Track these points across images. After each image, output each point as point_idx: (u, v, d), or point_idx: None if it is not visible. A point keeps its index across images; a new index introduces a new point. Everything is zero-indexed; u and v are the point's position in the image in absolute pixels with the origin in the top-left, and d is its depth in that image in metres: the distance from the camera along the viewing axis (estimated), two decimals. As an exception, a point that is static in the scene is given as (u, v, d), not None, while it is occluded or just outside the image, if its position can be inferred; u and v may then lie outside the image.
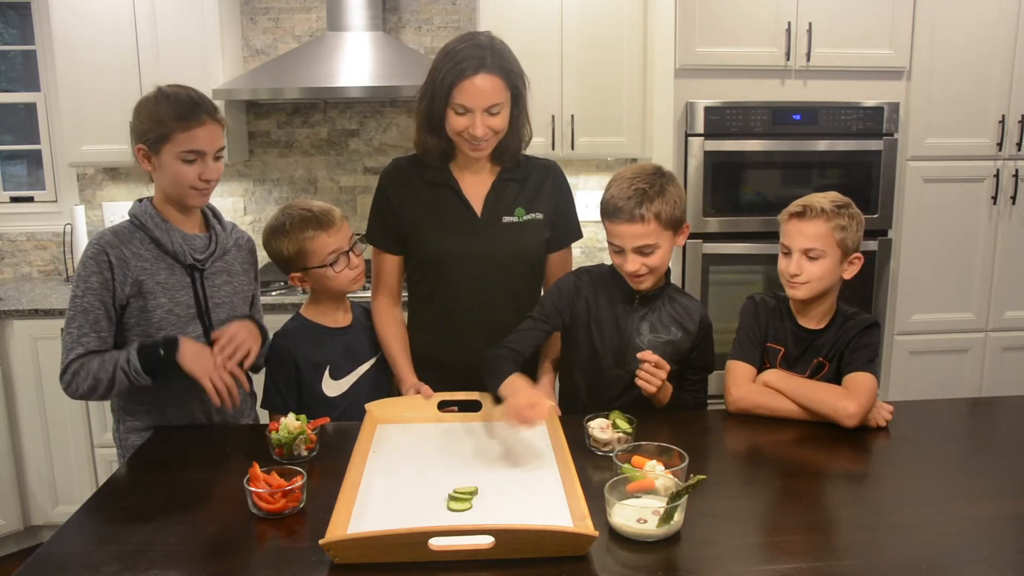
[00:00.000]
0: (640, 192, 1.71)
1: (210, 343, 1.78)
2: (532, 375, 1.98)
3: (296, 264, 1.88)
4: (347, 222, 1.94)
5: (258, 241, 1.95)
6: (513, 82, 1.81)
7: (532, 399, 1.61)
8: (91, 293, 1.68)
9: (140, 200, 1.77)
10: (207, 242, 1.80)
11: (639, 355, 1.74)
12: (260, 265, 2.01)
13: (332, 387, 1.92)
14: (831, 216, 1.73)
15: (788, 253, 1.78)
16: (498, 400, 1.70)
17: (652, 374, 1.73)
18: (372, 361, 1.99)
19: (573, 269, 2.03)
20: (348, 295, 1.99)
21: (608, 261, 1.88)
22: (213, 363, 1.69)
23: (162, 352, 1.67)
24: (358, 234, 1.97)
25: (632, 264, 1.75)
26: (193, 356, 1.69)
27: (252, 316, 1.94)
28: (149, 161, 1.70)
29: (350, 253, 1.89)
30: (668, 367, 1.75)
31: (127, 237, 1.73)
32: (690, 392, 1.91)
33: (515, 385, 1.67)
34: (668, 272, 1.89)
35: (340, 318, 1.98)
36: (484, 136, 1.79)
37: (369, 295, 2.05)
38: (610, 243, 1.79)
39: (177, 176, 1.69)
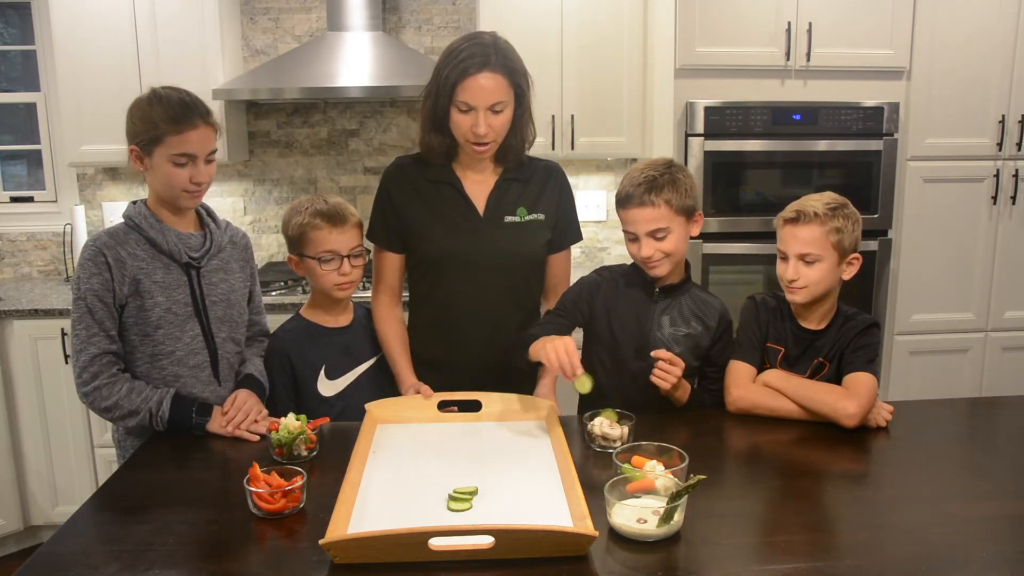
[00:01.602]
0: (651, 179, 1.76)
1: (207, 340, 1.80)
2: (532, 377, 1.98)
3: (294, 246, 1.93)
4: (360, 232, 1.95)
5: (257, 240, 1.95)
6: (516, 81, 1.81)
7: (568, 344, 1.64)
8: (92, 294, 1.69)
9: (134, 202, 1.78)
10: (202, 240, 1.81)
11: (653, 353, 1.76)
12: (260, 265, 2.02)
13: (328, 387, 1.92)
14: (825, 220, 1.73)
15: (785, 258, 1.78)
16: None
17: (666, 371, 1.74)
18: (371, 362, 1.99)
19: (572, 270, 2.04)
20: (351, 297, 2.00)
21: (626, 260, 1.90)
22: (237, 418, 1.74)
23: (194, 416, 1.72)
24: (368, 248, 1.97)
25: (646, 249, 1.77)
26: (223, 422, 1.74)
27: (252, 318, 1.96)
28: (141, 162, 1.71)
29: (346, 259, 1.89)
30: (683, 364, 1.75)
31: (122, 238, 1.73)
32: (710, 391, 1.91)
33: (545, 340, 1.71)
34: (688, 267, 1.90)
35: (339, 318, 1.98)
36: (486, 134, 1.80)
37: (368, 295, 2.05)
38: (626, 232, 1.83)
39: (168, 178, 1.69)
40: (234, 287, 1.86)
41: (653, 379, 1.75)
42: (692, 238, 1.85)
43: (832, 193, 1.79)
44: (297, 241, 1.92)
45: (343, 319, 1.99)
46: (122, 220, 1.77)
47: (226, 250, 1.86)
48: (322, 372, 1.92)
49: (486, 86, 1.77)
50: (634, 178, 1.78)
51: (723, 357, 1.89)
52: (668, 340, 1.83)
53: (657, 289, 1.85)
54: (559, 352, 1.63)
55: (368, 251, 1.97)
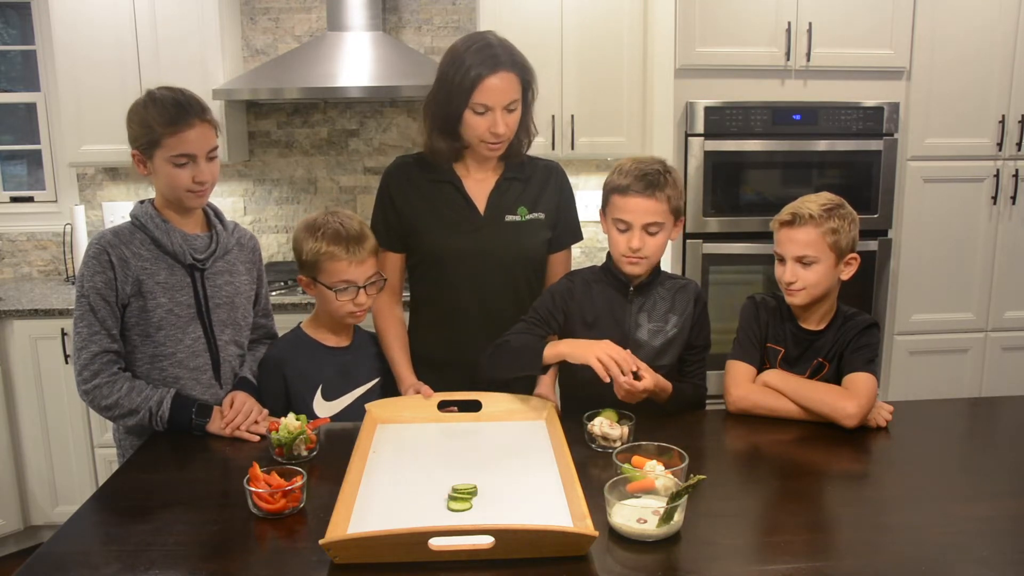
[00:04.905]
0: (655, 172, 1.76)
1: (209, 343, 1.80)
2: (531, 377, 1.98)
3: (307, 270, 1.86)
4: (375, 259, 1.88)
5: (265, 241, 1.94)
6: (526, 78, 1.84)
7: (616, 347, 1.65)
8: (95, 292, 1.68)
9: (141, 201, 1.77)
10: (208, 242, 1.80)
11: (620, 393, 1.68)
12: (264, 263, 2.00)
13: (323, 407, 1.86)
14: (821, 221, 1.73)
15: (783, 261, 1.78)
16: (543, 369, 1.77)
17: (634, 386, 1.69)
18: (369, 385, 1.94)
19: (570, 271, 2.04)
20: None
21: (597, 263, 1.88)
22: (237, 420, 1.73)
23: (193, 417, 1.71)
24: (383, 276, 1.90)
25: (637, 240, 1.76)
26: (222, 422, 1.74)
27: (258, 321, 1.95)
28: (144, 166, 1.71)
29: (362, 289, 1.84)
30: (644, 366, 1.71)
31: (127, 237, 1.73)
32: (689, 379, 1.90)
33: (576, 341, 1.72)
34: (658, 262, 1.89)
35: (340, 338, 1.93)
36: (505, 133, 1.81)
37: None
38: (617, 220, 1.79)
39: (171, 180, 1.69)
40: (239, 289, 1.85)
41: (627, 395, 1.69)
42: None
43: (828, 194, 1.79)
44: (311, 267, 1.84)
45: (344, 339, 1.94)
46: (128, 219, 1.77)
47: (232, 252, 1.86)
48: (319, 392, 1.87)
49: (501, 86, 1.78)
50: (636, 169, 1.76)
51: (701, 338, 1.89)
52: (648, 338, 1.83)
53: (631, 288, 1.84)
54: (613, 355, 1.62)
55: (384, 278, 1.91)
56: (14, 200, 3.65)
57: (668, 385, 1.79)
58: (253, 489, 1.35)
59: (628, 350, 1.66)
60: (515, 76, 1.80)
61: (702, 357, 1.92)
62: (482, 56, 1.77)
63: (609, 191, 1.81)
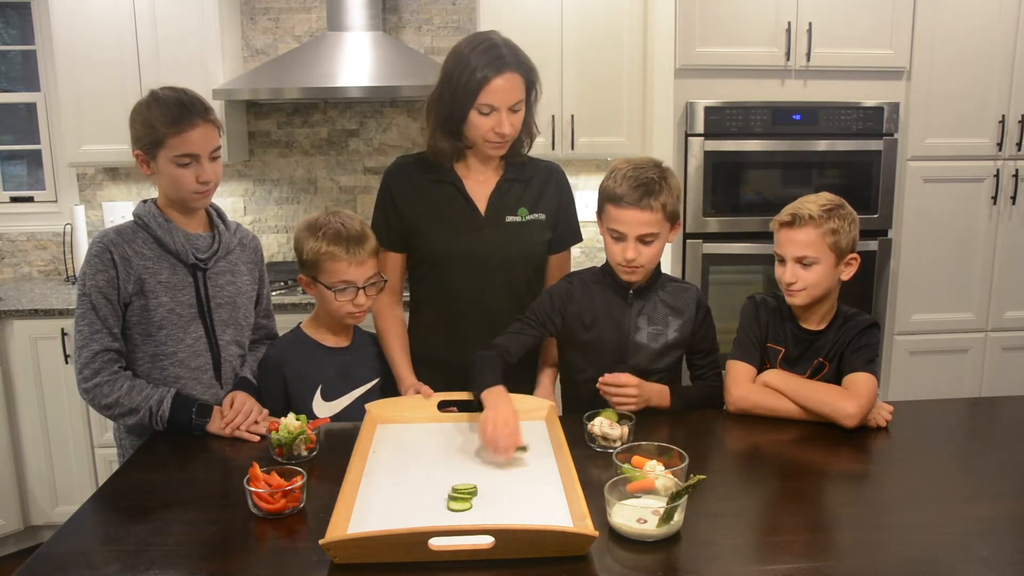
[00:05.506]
0: (650, 181, 1.74)
1: (211, 343, 1.80)
2: (531, 378, 1.99)
3: (307, 269, 1.86)
4: (376, 260, 1.87)
5: (265, 241, 1.94)
6: (530, 78, 1.84)
7: (509, 421, 1.56)
8: (97, 290, 1.69)
9: (144, 201, 1.77)
10: (210, 242, 1.80)
11: (599, 384, 1.73)
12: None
13: (323, 408, 1.86)
14: (821, 222, 1.72)
15: (783, 261, 1.78)
16: (479, 404, 1.68)
17: (623, 395, 1.73)
18: (369, 386, 1.94)
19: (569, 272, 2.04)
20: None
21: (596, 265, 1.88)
22: (237, 420, 1.72)
23: (193, 417, 1.71)
24: (383, 277, 1.90)
25: (632, 251, 1.75)
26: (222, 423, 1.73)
27: (260, 321, 1.95)
28: (148, 166, 1.71)
29: (361, 290, 1.84)
30: (629, 377, 1.75)
31: (130, 236, 1.73)
32: (701, 380, 1.91)
33: (495, 400, 1.63)
34: (658, 264, 1.89)
35: (340, 338, 1.93)
36: (511, 133, 1.82)
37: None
38: (611, 230, 1.79)
39: (175, 180, 1.69)
40: (241, 289, 1.85)
41: (618, 407, 1.72)
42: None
43: (828, 194, 1.79)
44: (311, 266, 1.84)
45: (344, 339, 1.94)
46: (132, 218, 1.77)
47: (235, 252, 1.86)
48: (318, 392, 1.86)
49: (507, 87, 1.78)
50: (630, 177, 1.74)
51: (706, 343, 1.89)
52: (647, 340, 1.83)
53: (631, 291, 1.84)
54: (497, 427, 1.55)
55: (384, 279, 1.91)
56: (14, 200, 3.66)
57: (665, 389, 1.81)
58: (253, 489, 1.36)
59: (516, 421, 1.58)
60: (520, 77, 1.80)
61: (711, 360, 1.92)
62: (488, 57, 1.77)
63: (604, 199, 1.80)
